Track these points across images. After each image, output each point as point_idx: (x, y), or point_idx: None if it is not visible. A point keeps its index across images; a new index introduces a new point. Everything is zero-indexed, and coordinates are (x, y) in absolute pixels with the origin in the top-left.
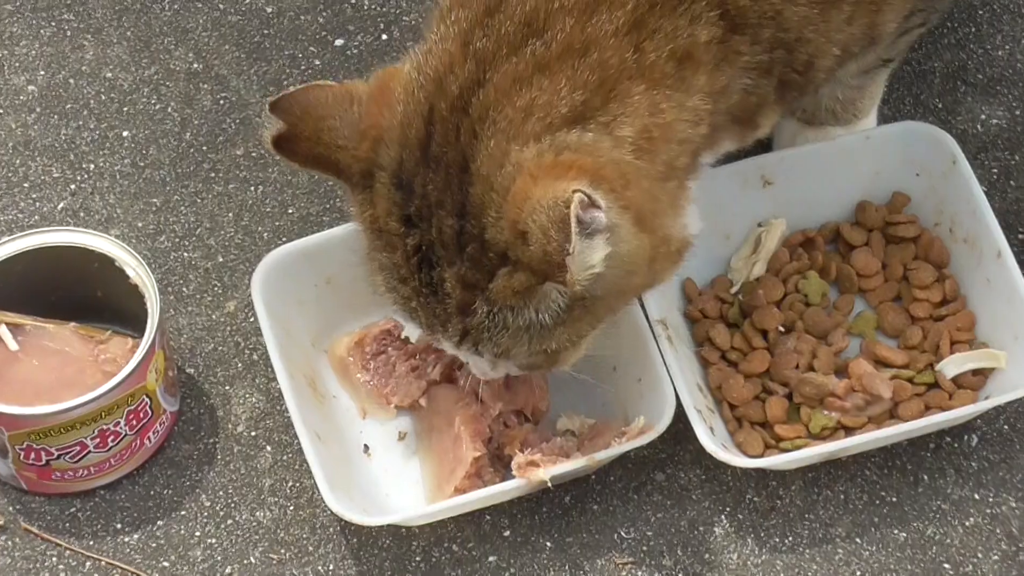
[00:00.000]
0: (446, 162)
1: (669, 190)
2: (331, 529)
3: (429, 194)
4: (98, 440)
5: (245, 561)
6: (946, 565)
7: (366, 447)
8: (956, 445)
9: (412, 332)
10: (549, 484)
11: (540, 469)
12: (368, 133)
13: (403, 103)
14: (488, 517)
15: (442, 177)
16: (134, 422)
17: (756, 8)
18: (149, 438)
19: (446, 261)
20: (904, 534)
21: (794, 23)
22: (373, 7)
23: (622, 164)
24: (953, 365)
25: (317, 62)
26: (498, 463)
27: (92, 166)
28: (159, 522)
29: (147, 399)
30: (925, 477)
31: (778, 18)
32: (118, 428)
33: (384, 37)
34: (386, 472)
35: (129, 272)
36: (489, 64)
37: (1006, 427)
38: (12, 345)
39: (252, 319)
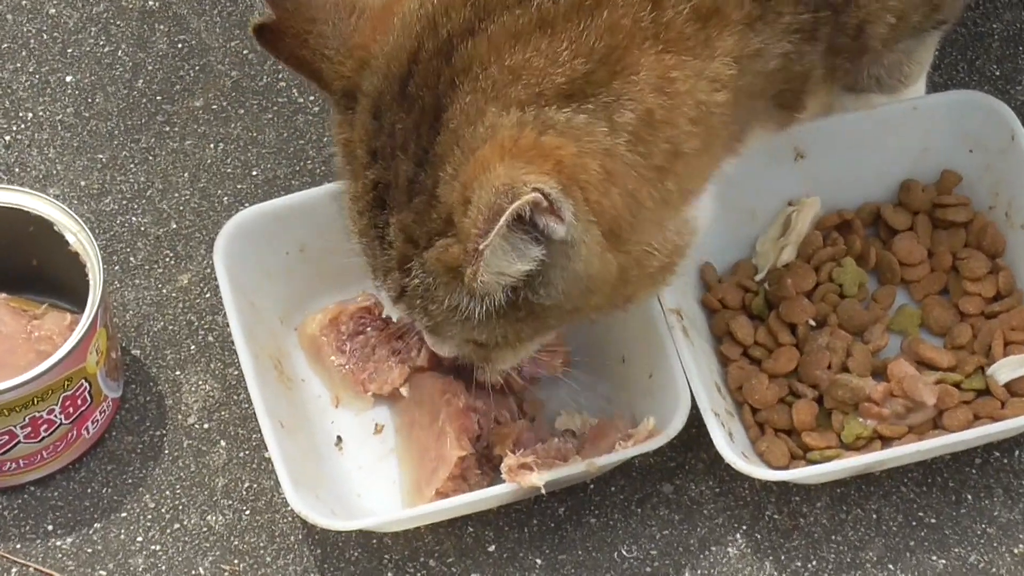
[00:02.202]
0: (420, 105)
1: (661, 193)
2: (292, 538)
3: (396, 133)
4: (29, 429)
5: (193, 571)
6: None
7: (338, 439)
8: (1006, 461)
9: (394, 312)
10: (543, 491)
11: (533, 473)
12: (356, 53)
13: (396, 33)
14: (471, 528)
15: (413, 119)
16: (70, 410)
17: None
18: (87, 428)
19: (395, 207)
20: (944, 561)
21: None
22: None
23: (611, 159)
24: (1006, 369)
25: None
26: (486, 464)
27: (30, 115)
28: (96, 524)
29: (86, 384)
30: (969, 497)
31: None
32: (52, 416)
33: None
34: (359, 469)
35: (69, 238)
36: (488, 13)
37: None
38: None
39: (208, 295)
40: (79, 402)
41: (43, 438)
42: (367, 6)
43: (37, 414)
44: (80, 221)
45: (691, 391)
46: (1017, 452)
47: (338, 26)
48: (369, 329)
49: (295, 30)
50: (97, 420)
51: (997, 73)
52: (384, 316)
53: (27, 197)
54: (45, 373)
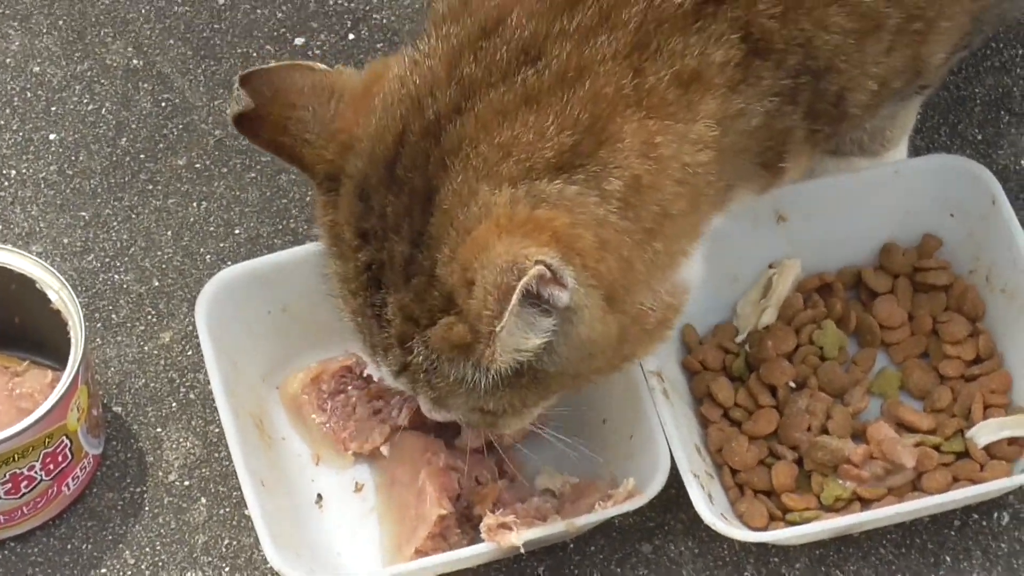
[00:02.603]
0: (410, 187)
1: (653, 255)
2: None
3: (388, 215)
4: (9, 485)
5: None
6: None
7: (319, 497)
8: (984, 523)
9: (377, 373)
10: (522, 550)
11: (513, 533)
12: (338, 136)
13: (379, 115)
14: None
15: (404, 202)
16: (51, 466)
17: (784, 33)
18: (68, 485)
19: (392, 287)
20: None
21: (825, 52)
22: (339, 2)
23: (603, 227)
24: (986, 432)
25: (273, 63)
26: (466, 524)
27: (13, 172)
28: None
29: (67, 440)
30: (948, 559)
31: (808, 45)
32: (32, 472)
33: (351, 36)
34: (339, 528)
35: (51, 295)
36: (473, 92)
37: None
38: None
39: (190, 352)
40: (60, 459)
41: (23, 494)
42: (345, 90)
43: (17, 470)
44: (62, 279)
45: (671, 453)
46: (996, 514)
47: (317, 111)
48: (351, 388)
49: (274, 117)
50: (78, 476)
51: (979, 137)
52: (366, 375)
53: (9, 255)
54: (26, 430)
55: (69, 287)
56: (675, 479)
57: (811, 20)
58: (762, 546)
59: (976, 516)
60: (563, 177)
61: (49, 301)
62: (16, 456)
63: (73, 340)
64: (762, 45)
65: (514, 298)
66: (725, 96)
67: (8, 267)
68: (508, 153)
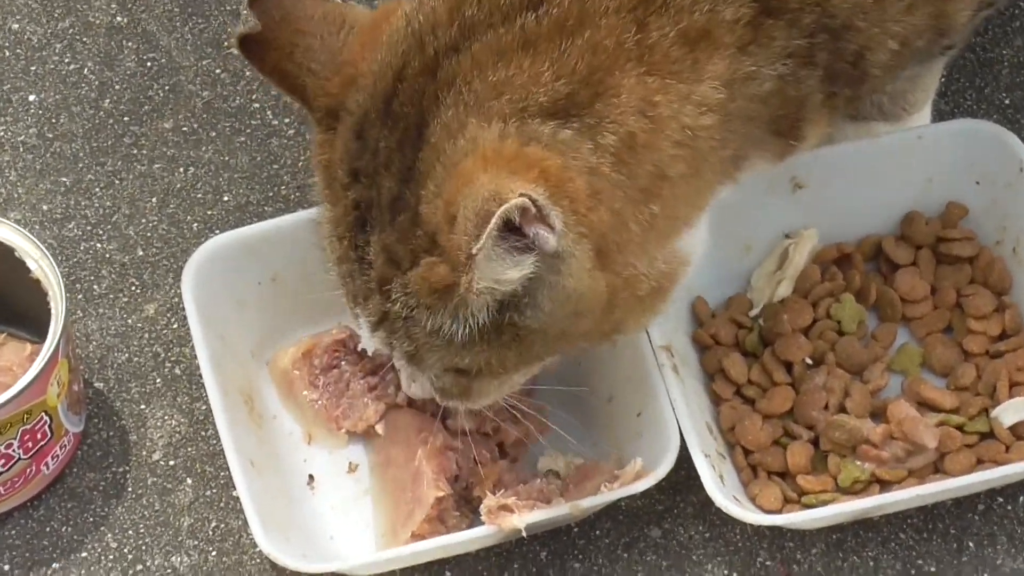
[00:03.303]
0: (404, 123)
1: (649, 217)
2: None
3: (380, 151)
4: None
5: None
6: None
7: (310, 478)
8: (1010, 508)
9: (370, 344)
10: (523, 534)
11: (514, 515)
12: (344, 69)
13: (384, 51)
14: (449, 573)
15: (396, 137)
16: (30, 444)
17: None
18: (47, 464)
19: (378, 225)
20: None
21: (843, 9)
22: None
23: (597, 177)
24: (1012, 411)
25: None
26: (465, 506)
27: None
28: (55, 564)
29: (46, 417)
30: (971, 544)
31: (824, 3)
32: (10, 451)
33: None
34: (332, 510)
35: (30, 264)
36: (473, 32)
37: None
38: None
39: (176, 325)
40: (39, 436)
41: (0, 474)
42: (356, 21)
43: None
44: (42, 247)
45: (681, 431)
46: (1022, 498)
47: (326, 40)
48: (344, 363)
49: (281, 42)
50: (57, 455)
51: (1006, 102)
52: (360, 349)
53: None
54: (3, 406)
55: (50, 256)
56: (685, 460)
57: None
58: (776, 530)
59: (1001, 500)
60: (557, 122)
61: (28, 270)
62: None
63: (53, 311)
64: (775, 3)
65: (492, 223)
66: (734, 57)
67: None
68: (501, 92)
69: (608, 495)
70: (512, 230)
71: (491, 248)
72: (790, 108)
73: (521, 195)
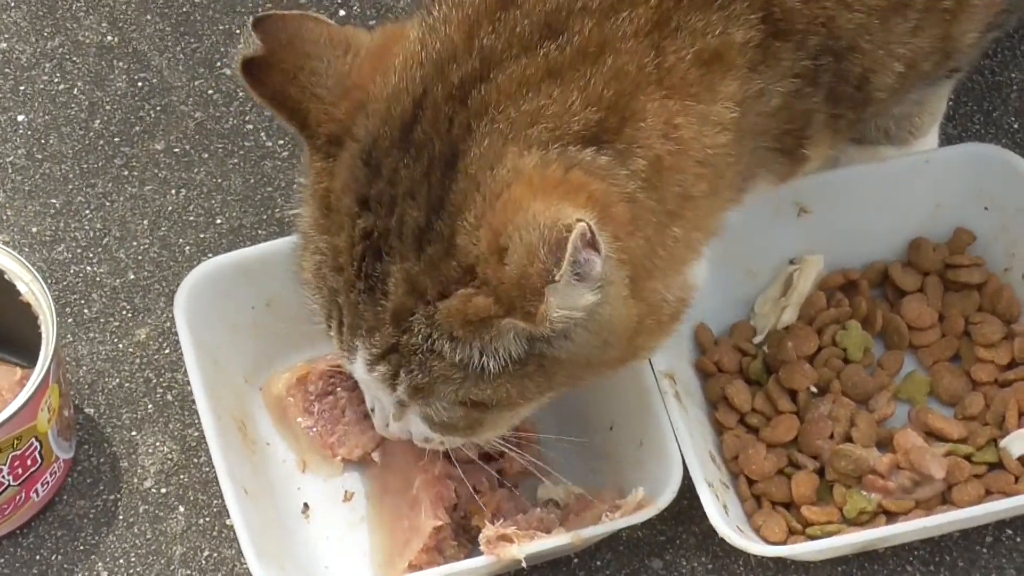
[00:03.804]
0: (430, 152)
1: (672, 241)
2: None
3: (399, 180)
4: None
5: None
6: None
7: (305, 506)
8: (1019, 540)
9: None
10: (523, 564)
11: (513, 545)
12: (352, 94)
13: (398, 76)
14: None
15: (422, 166)
16: (19, 470)
17: (806, 12)
18: (36, 491)
19: (399, 255)
20: None
21: (848, 31)
22: None
23: (635, 203)
24: (1020, 442)
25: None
26: (463, 536)
27: None
28: None
29: (36, 443)
30: None
31: (829, 24)
32: (0, 477)
33: (342, 13)
34: (327, 539)
35: (21, 287)
36: (495, 63)
37: None
38: None
39: (168, 350)
40: (28, 462)
41: None
42: (361, 46)
43: None
44: (32, 270)
45: (683, 460)
46: None
47: (333, 64)
48: (339, 389)
49: (286, 65)
50: (47, 482)
51: (1015, 126)
52: None
53: None
54: None
55: (40, 279)
56: (688, 490)
57: None
58: (780, 562)
59: (1010, 532)
60: (592, 148)
61: (19, 293)
62: None
63: (44, 335)
64: (782, 25)
65: (569, 247)
66: (745, 77)
67: None
68: (535, 121)
69: (609, 525)
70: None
71: (570, 275)
72: (796, 123)
73: (579, 220)
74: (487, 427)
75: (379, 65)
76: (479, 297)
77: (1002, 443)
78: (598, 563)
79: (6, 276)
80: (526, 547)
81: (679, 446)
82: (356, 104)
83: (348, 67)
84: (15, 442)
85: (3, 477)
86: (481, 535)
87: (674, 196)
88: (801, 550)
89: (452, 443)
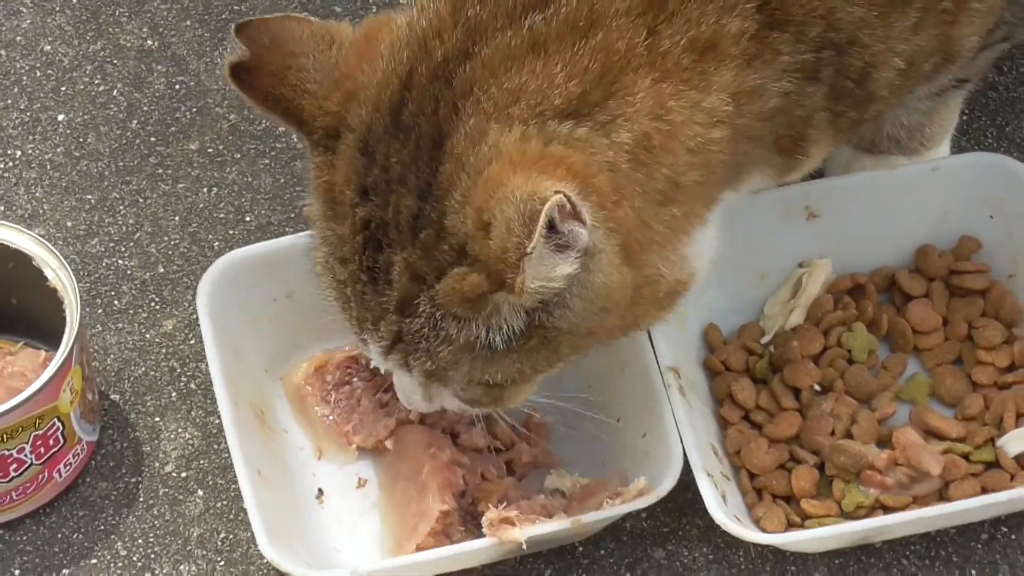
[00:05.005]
0: (417, 134)
1: (667, 218)
2: None
3: (391, 166)
4: None
5: None
6: None
7: (319, 492)
8: (1014, 537)
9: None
10: (524, 547)
11: (515, 528)
12: (342, 84)
13: (386, 60)
14: None
15: (410, 150)
16: (42, 450)
17: (803, 2)
18: (59, 471)
19: (397, 245)
20: None
21: (847, 24)
22: None
23: (618, 173)
24: (1017, 441)
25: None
26: (471, 521)
27: (19, 152)
28: (65, 571)
29: (59, 423)
30: (974, 572)
31: (829, 17)
32: (22, 455)
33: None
34: (339, 524)
35: (48, 273)
36: (480, 35)
37: None
38: None
39: (193, 342)
40: (51, 442)
41: (12, 478)
42: (345, 38)
43: (6, 452)
44: (60, 257)
45: (684, 451)
46: None
47: (319, 58)
48: (356, 379)
49: (273, 67)
50: (70, 463)
51: None
52: (372, 366)
53: (7, 231)
54: (15, 409)
55: (67, 266)
56: (691, 483)
57: None
58: (779, 554)
59: (1005, 529)
60: (572, 121)
61: (46, 279)
62: (5, 436)
63: (68, 318)
64: (779, 16)
65: (541, 220)
66: (740, 69)
67: (6, 243)
68: (517, 97)
69: (610, 511)
70: (552, 228)
71: (543, 246)
72: (794, 128)
73: (556, 192)
74: (508, 399)
75: (365, 53)
76: (472, 275)
77: (999, 442)
78: (602, 552)
79: (34, 262)
80: (527, 530)
81: (680, 437)
82: (347, 94)
83: (335, 59)
84: (37, 421)
85: (26, 455)
86: (484, 517)
87: (664, 178)
88: (797, 538)
89: (483, 411)
